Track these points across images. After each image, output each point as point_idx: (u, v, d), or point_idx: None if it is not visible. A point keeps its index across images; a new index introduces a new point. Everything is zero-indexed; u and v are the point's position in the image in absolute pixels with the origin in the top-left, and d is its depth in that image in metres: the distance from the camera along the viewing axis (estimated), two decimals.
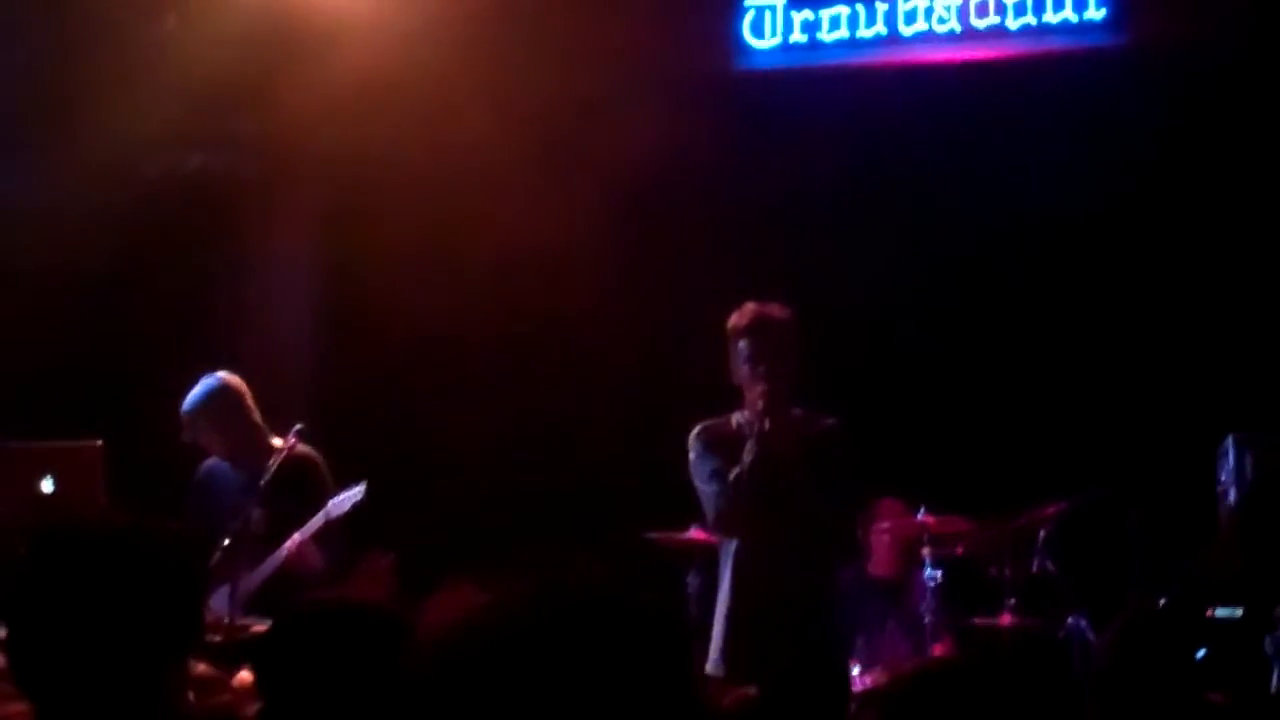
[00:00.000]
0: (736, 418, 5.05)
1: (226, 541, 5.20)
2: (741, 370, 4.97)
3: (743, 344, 4.95)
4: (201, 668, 3.00)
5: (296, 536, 5.33)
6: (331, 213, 7.74)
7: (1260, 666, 4.15)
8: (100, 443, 5.64)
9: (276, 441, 5.54)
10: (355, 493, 5.37)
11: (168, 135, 7.57)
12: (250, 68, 7.30)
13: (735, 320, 5.00)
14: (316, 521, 5.35)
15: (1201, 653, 4.83)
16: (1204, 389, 7.00)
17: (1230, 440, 6.17)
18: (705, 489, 4.98)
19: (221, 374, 5.66)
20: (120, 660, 2.17)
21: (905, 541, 6.92)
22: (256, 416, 5.65)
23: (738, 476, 4.85)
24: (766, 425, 4.84)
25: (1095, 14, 7.71)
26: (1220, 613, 4.96)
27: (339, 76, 7.23)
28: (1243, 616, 4.86)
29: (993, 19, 7.80)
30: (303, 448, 5.52)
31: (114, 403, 6.75)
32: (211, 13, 7.33)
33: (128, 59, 7.23)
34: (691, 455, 5.01)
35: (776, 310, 4.99)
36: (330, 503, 5.38)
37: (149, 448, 6.01)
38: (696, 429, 5.04)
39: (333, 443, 5.80)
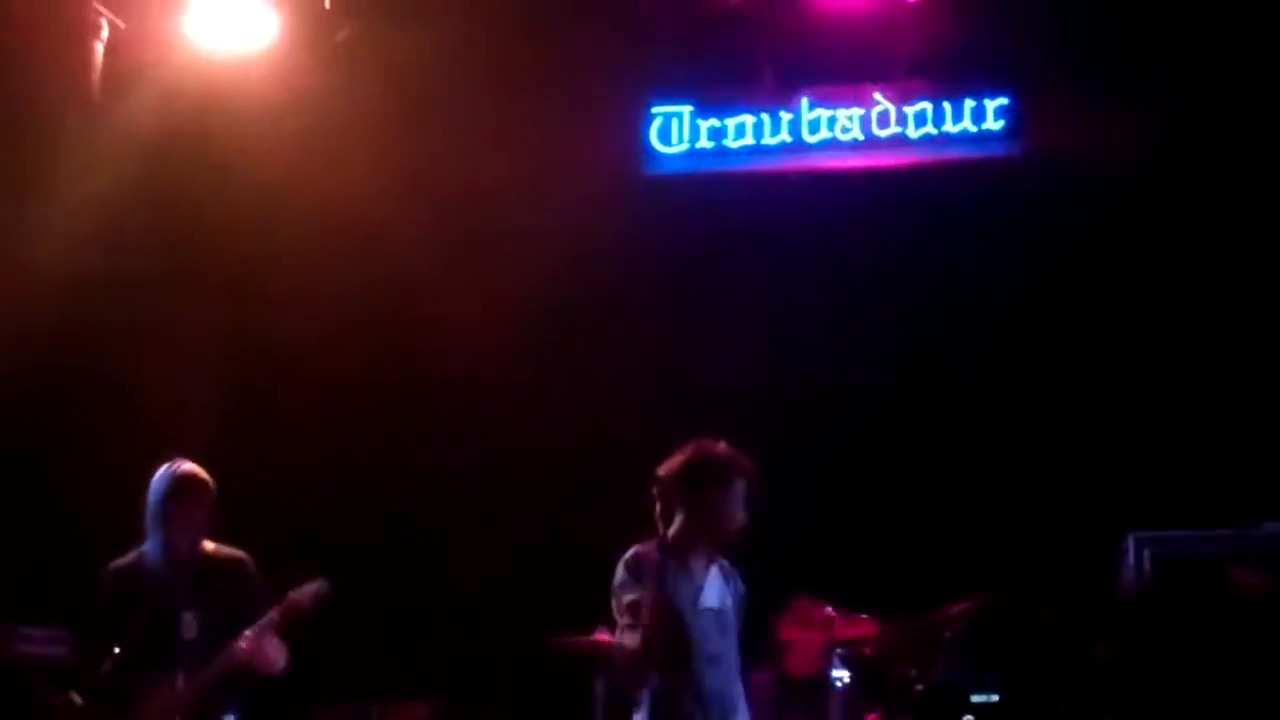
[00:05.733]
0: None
1: (116, 650, 5.04)
2: (733, 514, 4.61)
3: (741, 485, 4.63)
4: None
5: (249, 634, 5.12)
6: (235, 312, 7.67)
7: None
8: None
9: (208, 545, 5.41)
10: (319, 585, 5.21)
11: (71, 234, 7.49)
12: (155, 166, 7.27)
13: (733, 458, 4.67)
14: (272, 617, 5.14)
15: None
16: (1106, 489, 7.10)
17: (1130, 539, 6.26)
18: (619, 619, 4.77)
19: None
20: None
21: (823, 641, 6.86)
22: None
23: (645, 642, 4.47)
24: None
25: (994, 125, 7.93)
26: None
27: (244, 171, 7.23)
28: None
29: (894, 129, 7.99)
30: (230, 548, 5.40)
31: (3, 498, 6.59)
32: (115, 114, 7.30)
33: (33, 158, 7.17)
34: (616, 580, 4.68)
35: None
36: (291, 595, 5.19)
37: (39, 540, 5.86)
38: (629, 554, 4.67)
39: (228, 540, 5.67)
